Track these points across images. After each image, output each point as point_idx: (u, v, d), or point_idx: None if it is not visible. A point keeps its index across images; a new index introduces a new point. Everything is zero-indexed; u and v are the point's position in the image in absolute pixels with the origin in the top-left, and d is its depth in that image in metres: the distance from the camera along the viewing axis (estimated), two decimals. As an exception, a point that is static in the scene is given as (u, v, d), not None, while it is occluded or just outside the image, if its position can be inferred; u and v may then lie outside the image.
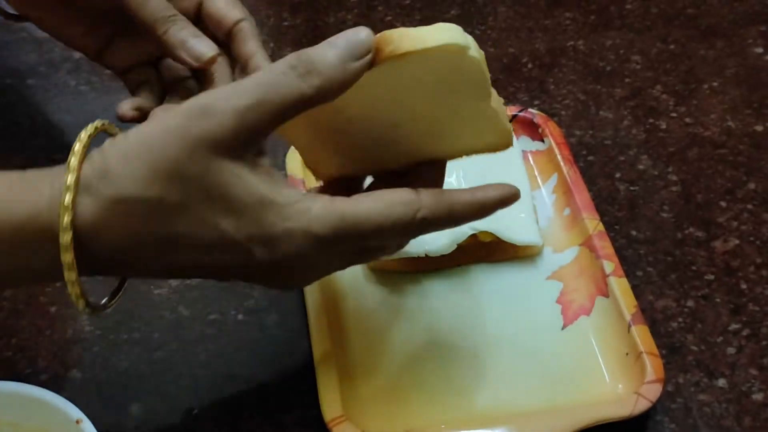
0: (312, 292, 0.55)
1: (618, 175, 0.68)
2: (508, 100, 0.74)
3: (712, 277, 0.61)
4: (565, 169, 0.63)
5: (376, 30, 0.41)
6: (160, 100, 0.59)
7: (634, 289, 0.58)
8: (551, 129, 0.66)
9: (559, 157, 0.64)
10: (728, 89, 0.76)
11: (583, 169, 0.68)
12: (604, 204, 0.65)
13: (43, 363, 0.55)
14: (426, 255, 0.57)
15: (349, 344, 0.55)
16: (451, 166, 0.58)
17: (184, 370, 0.55)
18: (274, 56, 0.76)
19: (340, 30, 0.42)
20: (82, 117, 0.71)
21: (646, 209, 0.65)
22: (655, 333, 0.56)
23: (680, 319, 0.58)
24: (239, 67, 0.58)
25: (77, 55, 0.76)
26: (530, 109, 0.67)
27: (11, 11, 0.61)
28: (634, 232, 0.64)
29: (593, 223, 0.59)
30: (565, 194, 0.62)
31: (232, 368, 0.55)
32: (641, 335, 0.53)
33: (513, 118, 0.66)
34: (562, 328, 0.56)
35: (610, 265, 0.57)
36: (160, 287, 0.59)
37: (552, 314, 0.57)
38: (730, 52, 0.79)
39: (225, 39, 0.59)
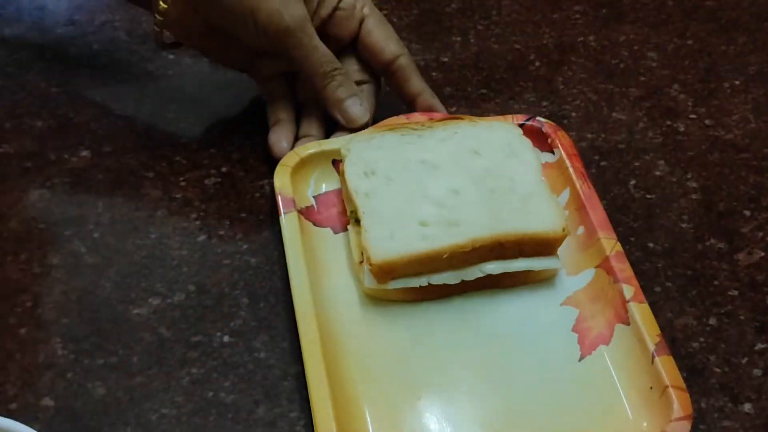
0: (306, 324, 0.54)
1: (633, 181, 0.68)
2: (513, 101, 0.74)
3: (735, 292, 0.61)
4: (578, 183, 0.62)
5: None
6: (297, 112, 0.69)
7: (652, 306, 0.58)
8: (561, 139, 0.65)
9: (570, 170, 0.63)
10: (751, 88, 0.76)
11: (596, 176, 0.68)
12: (618, 213, 0.65)
13: (13, 390, 0.55)
14: (429, 284, 0.57)
15: (345, 377, 0.54)
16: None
17: (166, 396, 0.54)
18: (261, 54, 0.76)
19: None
20: (53, 121, 0.70)
21: (664, 219, 0.65)
22: (675, 354, 0.56)
23: (702, 339, 0.58)
24: (405, 102, 0.68)
25: (48, 54, 0.76)
26: (538, 118, 0.67)
27: (169, 41, 0.69)
28: (650, 244, 0.63)
29: (610, 243, 0.59)
30: (578, 211, 0.61)
31: (217, 394, 0.55)
32: (667, 367, 0.52)
33: (520, 127, 0.65)
34: (580, 359, 0.56)
35: (630, 290, 0.56)
36: (139, 307, 0.59)
37: (568, 344, 0.56)
38: (753, 48, 0.80)
39: (381, 69, 0.68)
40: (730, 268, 0.62)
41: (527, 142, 0.62)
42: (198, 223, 0.64)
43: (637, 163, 0.69)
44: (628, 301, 0.56)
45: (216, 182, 0.67)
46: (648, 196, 0.67)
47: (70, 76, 0.75)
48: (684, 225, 0.65)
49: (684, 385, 0.52)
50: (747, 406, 0.54)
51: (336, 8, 0.66)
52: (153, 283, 0.60)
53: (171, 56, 0.77)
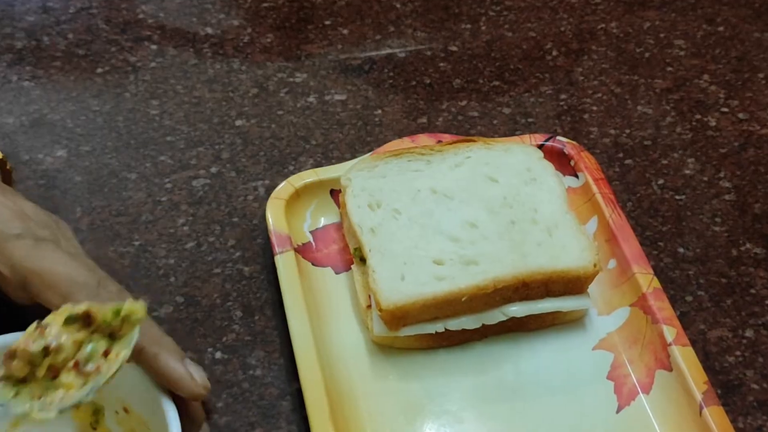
0: (310, 378, 0.53)
1: (661, 181, 0.68)
2: (529, 94, 0.74)
3: (774, 301, 0.61)
4: (606, 211, 0.61)
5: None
6: None
7: (683, 317, 0.58)
8: (586, 161, 0.64)
9: (598, 195, 0.62)
10: (788, 79, 0.76)
11: (620, 175, 0.68)
12: (644, 216, 0.65)
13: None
14: (445, 329, 0.56)
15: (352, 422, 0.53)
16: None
17: (153, 419, 0.55)
18: (253, 43, 0.76)
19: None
20: (25, 118, 0.71)
21: (695, 222, 0.65)
22: (709, 368, 0.56)
23: (738, 353, 0.58)
24: None
25: (19, 44, 0.76)
26: (559, 138, 0.66)
27: None
28: (681, 250, 0.64)
29: (647, 279, 0.58)
30: (608, 242, 0.61)
31: (210, 416, 0.55)
32: (717, 419, 0.51)
33: (539, 148, 0.64)
34: (618, 411, 0.55)
35: (671, 331, 0.55)
36: (122, 320, 0.59)
37: (604, 393, 0.55)
38: (790, 35, 0.80)
39: None
40: (767, 275, 0.62)
41: (549, 166, 0.61)
42: (186, 228, 0.64)
43: (664, 161, 0.69)
44: (669, 345, 0.54)
45: (205, 184, 0.67)
46: (677, 197, 0.67)
47: (44, 68, 0.75)
48: (717, 228, 0.65)
49: None
50: (788, 426, 0.55)
51: None
52: (137, 295, 0.59)
53: (153, 47, 0.77)
